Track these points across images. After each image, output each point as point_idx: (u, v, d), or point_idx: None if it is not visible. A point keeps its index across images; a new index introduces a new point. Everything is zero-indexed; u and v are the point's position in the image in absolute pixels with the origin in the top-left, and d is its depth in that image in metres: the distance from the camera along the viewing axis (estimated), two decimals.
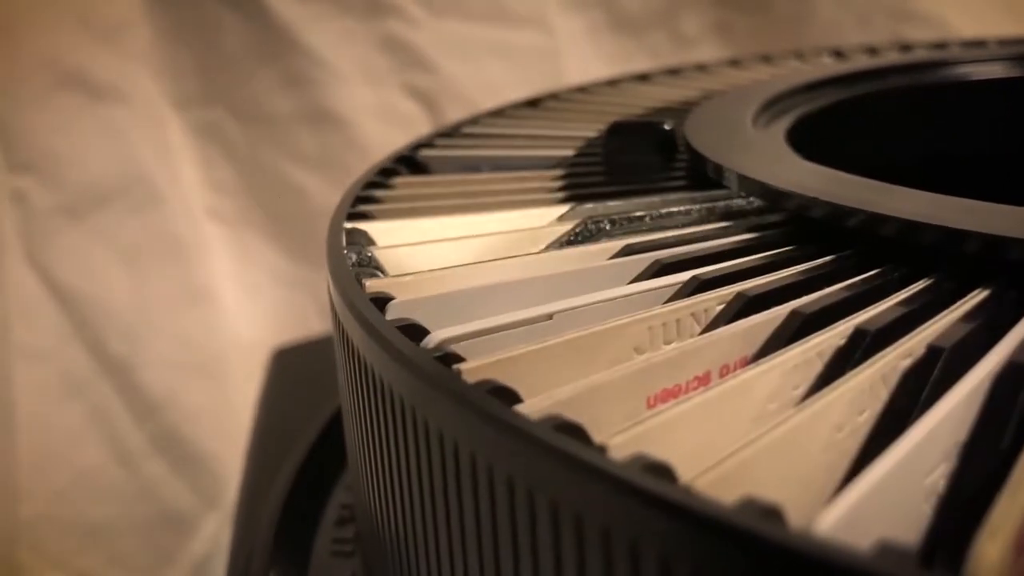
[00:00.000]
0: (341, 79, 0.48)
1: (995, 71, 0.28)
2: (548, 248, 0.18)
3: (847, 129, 0.26)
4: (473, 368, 0.13)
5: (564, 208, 0.19)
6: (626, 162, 0.22)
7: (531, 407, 0.12)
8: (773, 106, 0.25)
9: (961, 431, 0.11)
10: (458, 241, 0.18)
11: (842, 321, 0.13)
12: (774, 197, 0.18)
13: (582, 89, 0.32)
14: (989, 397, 0.11)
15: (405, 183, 0.23)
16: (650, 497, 0.09)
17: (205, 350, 0.46)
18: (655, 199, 0.20)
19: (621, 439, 0.11)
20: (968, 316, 0.13)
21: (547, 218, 0.19)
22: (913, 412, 0.12)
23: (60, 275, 0.44)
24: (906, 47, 0.35)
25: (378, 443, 0.15)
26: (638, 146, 0.22)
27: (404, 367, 0.13)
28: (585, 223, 0.18)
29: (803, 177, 0.18)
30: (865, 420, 0.12)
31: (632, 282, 0.16)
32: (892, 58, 0.32)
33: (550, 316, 0.14)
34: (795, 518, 0.10)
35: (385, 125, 0.49)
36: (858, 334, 0.13)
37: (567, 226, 0.18)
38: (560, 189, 0.21)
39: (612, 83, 0.33)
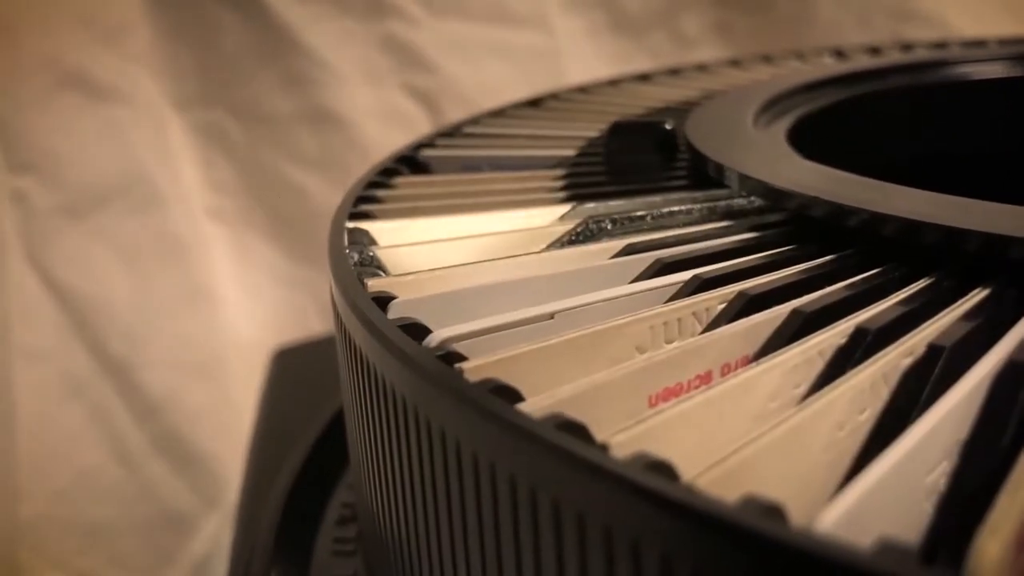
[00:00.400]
0: (341, 79, 0.48)
1: (995, 71, 0.28)
2: (549, 247, 0.18)
3: (848, 129, 0.26)
4: (475, 367, 0.13)
5: (565, 208, 0.19)
6: (627, 162, 0.22)
7: (533, 406, 0.12)
8: (774, 106, 0.25)
9: (962, 429, 0.11)
10: (459, 241, 0.18)
11: (843, 320, 0.13)
12: (775, 196, 0.18)
13: (583, 89, 0.32)
14: (989, 396, 0.11)
15: (406, 183, 0.23)
16: (652, 495, 0.09)
17: (205, 350, 0.46)
18: (656, 199, 0.20)
19: (623, 438, 0.11)
20: (969, 315, 0.13)
21: (548, 218, 0.19)
22: (914, 411, 0.12)
23: (60, 275, 0.44)
24: (907, 47, 0.35)
25: (380, 442, 0.15)
26: (639, 146, 0.22)
27: (406, 366, 0.13)
28: (586, 222, 0.18)
29: (804, 176, 0.18)
30: (866, 419, 0.12)
31: (633, 281, 0.16)
32: (893, 58, 0.32)
33: (552, 315, 0.14)
34: (796, 516, 0.10)
35: (385, 125, 0.49)
36: (859, 333, 0.13)
37: (568, 225, 0.18)
38: (561, 189, 0.21)
39: (613, 83, 0.33)
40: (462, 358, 0.13)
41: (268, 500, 0.23)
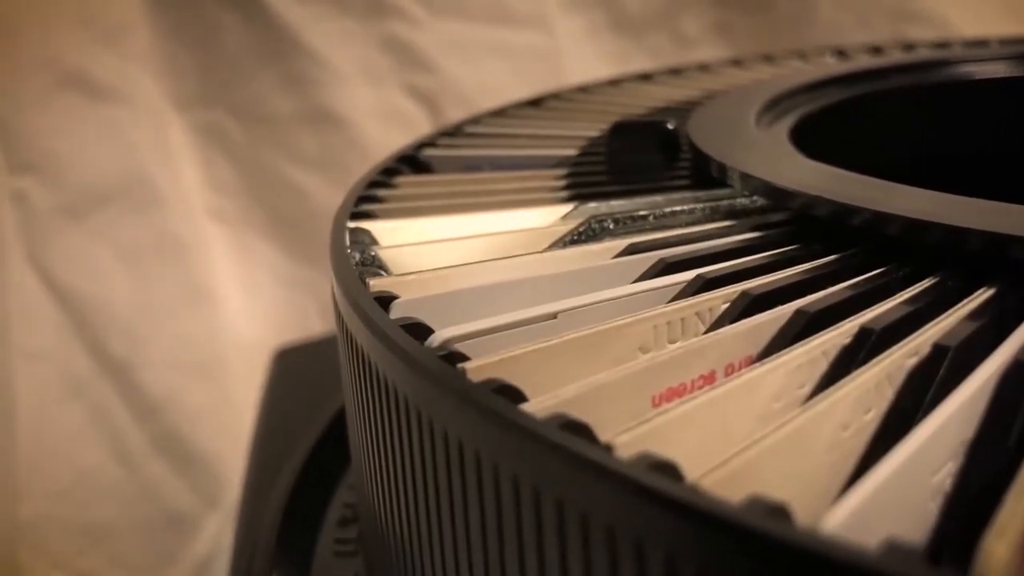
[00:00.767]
0: (341, 79, 0.48)
1: (998, 70, 0.28)
2: (552, 247, 0.18)
3: (850, 128, 0.26)
4: (478, 367, 0.12)
5: (567, 207, 0.19)
6: (629, 161, 0.22)
7: (536, 406, 0.12)
8: (776, 105, 0.25)
9: (967, 430, 0.11)
10: (461, 240, 0.18)
11: (847, 320, 0.13)
12: (778, 196, 0.18)
13: (584, 89, 0.32)
14: (995, 395, 0.11)
15: (408, 182, 0.23)
16: (656, 496, 0.09)
17: (206, 350, 0.46)
18: (658, 198, 0.20)
19: (627, 438, 0.11)
20: (973, 314, 0.13)
21: (550, 217, 0.19)
22: (919, 411, 0.12)
23: (61, 275, 0.44)
24: (909, 46, 0.35)
25: (382, 442, 0.15)
26: (641, 145, 0.22)
27: (409, 366, 0.13)
28: (588, 222, 0.18)
29: (807, 176, 0.18)
30: (871, 419, 0.12)
31: (636, 281, 0.16)
32: (895, 57, 0.32)
33: (554, 315, 0.14)
34: (801, 517, 0.10)
35: (386, 125, 0.49)
36: (863, 333, 0.13)
37: (570, 225, 0.18)
38: (563, 188, 0.21)
39: (614, 83, 0.33)
40: (465, 358, 0.13)
41: (269, 500, 0.23)
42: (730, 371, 0.13)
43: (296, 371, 0.33)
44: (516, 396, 0.12)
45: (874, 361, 0.12)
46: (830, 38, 0.49)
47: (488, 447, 0.11)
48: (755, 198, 0.19)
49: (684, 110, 0.25)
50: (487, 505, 0.12)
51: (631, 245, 0.17)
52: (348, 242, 0.18)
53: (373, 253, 0.17)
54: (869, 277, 0.15)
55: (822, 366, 0.13)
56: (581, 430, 0.11)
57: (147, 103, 0.46)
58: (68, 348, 0.44)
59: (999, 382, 0.11)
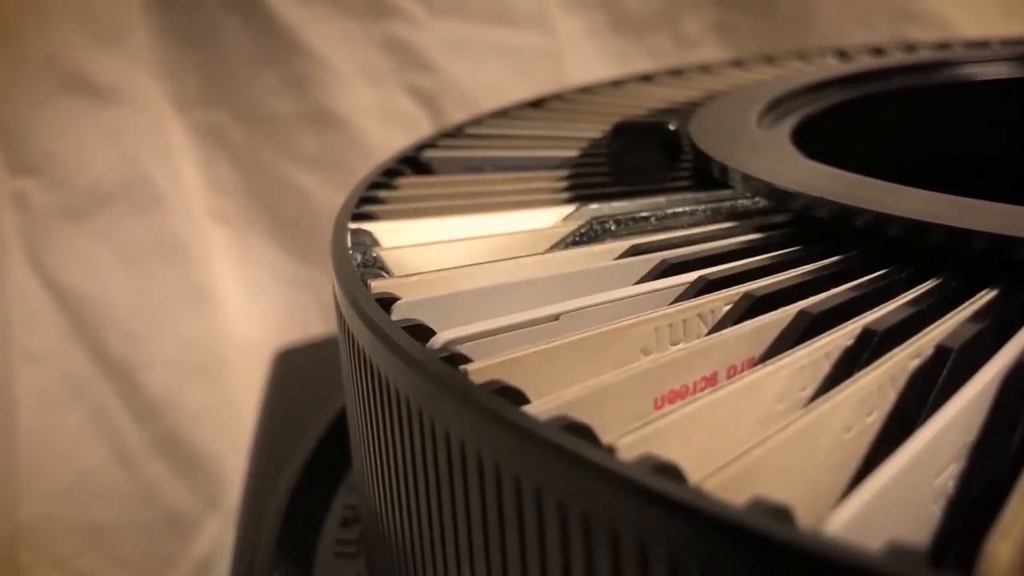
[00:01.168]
0: (342, 80, 0.48)
1: (999, 71, 0.28)
2: (553, 248, 0.18)
3: (852, 129, 0.26)
4: (480, 368, 0.12)
5: (569, 208, 0.19)
6: (631, 162, 0.22)
7: (538, 408, 0.12)
8: (778, 106, 0.25)
9: (970, 431, 0.11)
10: (463, 242, 0.18)
11: (850, 321, 0.13)
12: (780, 197, 0.18)
13: (586, 90, 0.32)
14: (998, 397, 0.11)
15: (409, 183, 0.23)
16: (659, 498, 0.09)
17: (206, 351, 0.46)
18: (660, 199, 0.20)
19: (629, 440, 0.11)
20: (976, 316, 0.13)
21: (552, 219, 0.19)
22: (921, 413, 0.12)
23: (61, 276, 0.44)
24: (910, 47, 0.35)
25: (384, 443, 0.14)
26: (643, 146, 0.22)
27: (410, 368, 0.13)
28: (590, 223, 0.18)
29: (809, 177, 0.18)
30: (873, 421, 0.12)
31: (638, 283, 0.16)
32: (896, 58, 0.32)
33: (556, 317, 0.14)
34: (804, 519, 0.10)
35: (386, 126, 0.49)
36: (866, 334, 0.13)
37: (572, 226, 0.18)
38: (565, 189, 0.21)
39: (616, 84, 0.33)
40: (466, 360, 0.13)
41: (270, 501, 0.23)
42: (732, 373, 0.13)
43: (297, 372, 0.33)
44: (518, 398, 0.12)
45: (877, 363, 0.12)
46: (831, 39, 0.49)
47: (490, 449, 0.11)
48: (757, 199, 0.19)
49: (685, 111, 0.25)
50: (489, 507, 0.12)
51: (633, 246, 0.17)
52: (350, 243, 0.18)
53: (375, 254, 0.17)
54: (872, 278, 0.15)
55: (825, 368, 0.13)
56: (583, 432, 0.11)
57: (147, 104, 0.46)
58: (68, 348, 0.44)
59: (1002, 384, 0.11)
